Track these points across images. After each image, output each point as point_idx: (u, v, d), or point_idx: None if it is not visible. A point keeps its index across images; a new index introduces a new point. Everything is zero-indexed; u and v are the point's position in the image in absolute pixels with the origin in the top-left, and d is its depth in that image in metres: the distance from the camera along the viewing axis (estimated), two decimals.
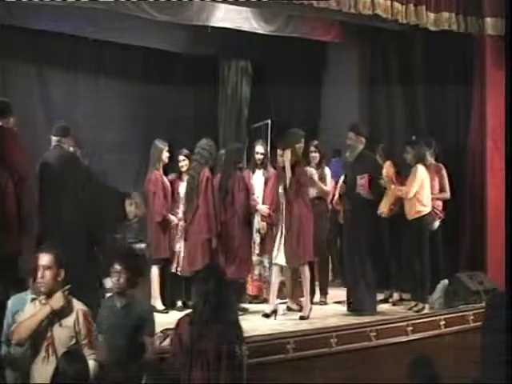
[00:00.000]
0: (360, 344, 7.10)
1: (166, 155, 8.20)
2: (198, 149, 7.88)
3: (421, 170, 8.04)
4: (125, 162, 8.99)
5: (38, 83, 9.61)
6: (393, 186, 8.10)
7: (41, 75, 9.61)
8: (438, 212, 8.41)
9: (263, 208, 8.30)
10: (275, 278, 7.72)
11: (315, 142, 8.71)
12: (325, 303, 8.47)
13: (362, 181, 7.77)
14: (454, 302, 8.15)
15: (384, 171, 8.18)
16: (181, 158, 8.24)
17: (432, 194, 8.24)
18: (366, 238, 7.72)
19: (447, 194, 8.60)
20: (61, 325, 4.69)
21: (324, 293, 8.59)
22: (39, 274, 4.67)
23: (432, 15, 8.53)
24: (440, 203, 8.57)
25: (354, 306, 7.79)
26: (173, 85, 10.40)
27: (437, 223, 8.39)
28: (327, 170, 8.60)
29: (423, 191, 8.05)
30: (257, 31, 9.03)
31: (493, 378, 5.28)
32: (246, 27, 8.92)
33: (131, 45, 9.32)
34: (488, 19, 8.89)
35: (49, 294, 4.70)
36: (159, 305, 7.96)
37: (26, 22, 8.32)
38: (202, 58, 10.29)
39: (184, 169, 8.22)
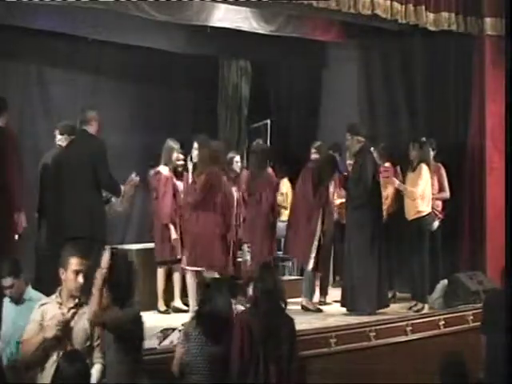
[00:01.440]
0: (359, 344, 7.11)
1: (176, 155, 8.18)
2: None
3: (425, 170, 8.05)
4: (123, 161, 8.95)
5: (38, 83, 9.59)
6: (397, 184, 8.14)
7: (40, 75, 9.60)
8: (437, 212, 8.42)
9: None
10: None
11: (316, 144, 8.71)
12: (324, 303, 8.47)
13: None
14: (453, 302, 8.16)
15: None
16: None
17: (431, 193, 8.25)
18: (364, 238, 7.72)
19: (447, 194, 8.61)
20: (78, 325, 4.74)
21: (324, 293, 8.60)
22: (79, 280, 4.71)
23: (431, 15, 8.54)
24: (439, 203, 8.58)
25: (350, 305, 7.80)
26: (172, 85, 10.40)
27: (436, 223, 8.40)
28: None
29: (425, 192, 8.06)
30: (256, 31, 9.01)
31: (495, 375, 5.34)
32: (245, 27, 8.91)
33: (130, 45, 9.30)
34: (487, 19, 8.91)
35: (72, 296, 4.76)
36: (161, 306, 7.96)
37: (26, 21, 8.30)
38: (201, 58, 10.27)
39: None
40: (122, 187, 6.79)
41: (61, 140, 7.11)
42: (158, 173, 8.09)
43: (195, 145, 7.83)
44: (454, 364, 4.63)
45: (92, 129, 6.64)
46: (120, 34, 9.01)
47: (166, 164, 8.11)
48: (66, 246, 4.99)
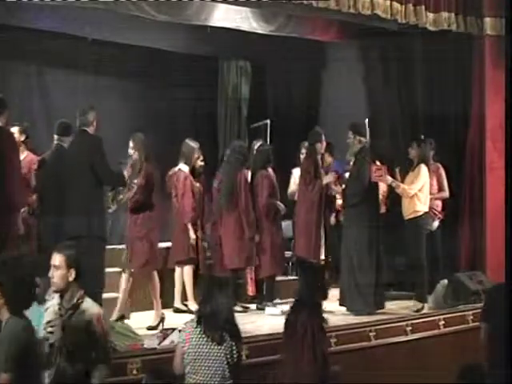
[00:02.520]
0: (359, 344, 7.11)
1: (196, 155, 8.19)
2: (231, 151, 8.21)
3: (424, 170, 8.06)
4: (122, 161, 8.95)
5: (38, 83, 9.61)
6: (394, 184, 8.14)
7: (40, 75, 9.62)
8: (436, 212, 8.42)
9: (281, 205, 8.35)
10: None
11: (306, 144, 8.74)
12: None
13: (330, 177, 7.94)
14: (453, 302, 8.15)
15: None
16: None
17: (430, 193, 8.26)
18: (360, 236, 7.73)
19: (446, 193, 8.63)
20: (77, 327, 4.66)
21: None
22: (49, 273, 4.68)
23: (431, 15, 8.54)
24: (439, 203, 8.59)
25: (349, 305, 7.80)
26: (172, 85, 10.40)
27: (436, 223, 8.41)
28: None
29: (423, 191, 8.06)
30: (256, 31, 9.01)
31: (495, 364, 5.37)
32: (245, 27, 8.90)
33: (130, 44, 9.31)
34: (487, 19, 8.91)
35: (61, 294, 4.71)
36: (179, 305, 8.03)
37: (26, 21, 8.31)
38: (201, 58, 10.29)
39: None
40: (125, 172, 6.83)
41: (59, 140, 7.11)
42: (178, 171, 8.10)
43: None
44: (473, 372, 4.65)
45: (92, 129, 6.65)
46: (120, 33, 9.02)
47: (185, 163, 8.12)
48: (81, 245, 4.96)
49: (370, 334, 7.22)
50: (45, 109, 9.53)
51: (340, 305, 7.92)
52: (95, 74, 10.00)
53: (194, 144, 8.22)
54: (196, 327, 4.90)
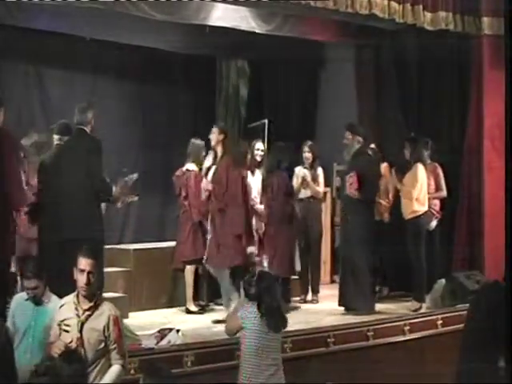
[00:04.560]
0: (357, 343, 7.13)
1: (204, 153, 8.25)
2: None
3: (421, 169, 8.07)
4: (122, 161, 8.95)
5: (36, 82, 9.60)
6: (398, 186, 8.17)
7: (38, 74, 9.61)
8: (434, 212, 8.43)
9: (261, 208, 8.32)
10: None
11: (309, 143, 8.78)
12: (317, 301, 8.53)
13: (350, 179, 7.80)
14: (451, 302, 8.16)
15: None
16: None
17: (428, 193, 8.28)
18: (360, 237, 7.74)
19: (444, 193, 8.64)
20: (91, 327, 4.71)
21: (316, 291, 8.65)
22: (84, 280, 4.68)
23: (429, 15, 8.54)
24: (437, 202, 8.59)
25: (347, 304, 7.82)
26: (170, 84, 10.41)
27: (434, 223, 8.41)
28: (320, 171, 8.71)
29: (421, 191, 8.08)
30: (254, 30, 9.01)
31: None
32: (243, 26, 8.88)
33: (129, 44, 9.31)
34: (485, 19, 8.90)
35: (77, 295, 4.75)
36: (192, 307, 8.03)
37: (24, 21, 8.30)
38: (199, 58, 10.29)
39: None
40: (114, 188, 6.77)
41: (60, 140, 7.10)
42: (187, 171, 8.12)
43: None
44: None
45: (89, 128, 6.64)
46: (118, 33, 9.01)
47: (193, 162, 8.17)
48: (80, 247, 4.96)
49: (369, 333, 7.23)
50: (43, 108, 9.53)
51: (339, 305, 7.93)
52: (93, 73, 10.00)
53: (200, 142, 8.29)
54: (256, 316, 5.21)
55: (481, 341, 5.05)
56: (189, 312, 7.99)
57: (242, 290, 5.55)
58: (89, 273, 4.69)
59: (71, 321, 4.71)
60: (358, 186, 7.72)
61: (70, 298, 4.81)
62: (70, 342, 4.60)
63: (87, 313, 4.72)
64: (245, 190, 7.84)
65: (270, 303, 5.23)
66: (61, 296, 5.04)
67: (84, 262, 4.71)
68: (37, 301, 5.18)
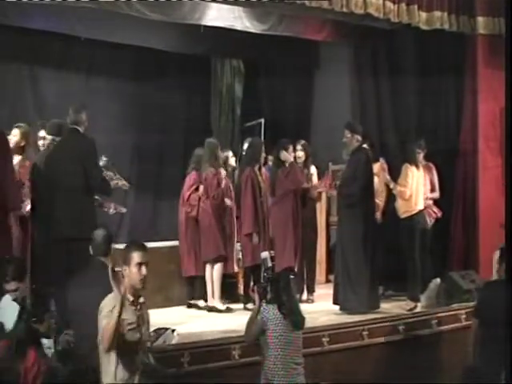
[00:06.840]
0: (352, 343, 7.12)
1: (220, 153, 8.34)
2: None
3: (410, 169, 8.09)
4: (117, 161, 8.93)
5: (30, 82, 9.59)
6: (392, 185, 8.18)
7: (32, 74, 9.60)
8: (432, 212, 8.46)
9: (227, 201, 8.37)
10: None
11: (302, 142, 8.78)
12: (312, 301, 8.53)
13: (327, 180, 7.96)
14: (446, 301, 8.17)
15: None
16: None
17: (424, 193, 8.29)
18: (355, 235, 7.74)
19: (437, 194, 8.66)
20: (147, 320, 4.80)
21: (311, 291, 8.65)
22: (144, 271, 4.67)
23: (424, 14, 8.54)
24: (430, 202, 8.60)
25: (340, 304, 7.82)
26: (165, 84, 10.40)
27: (429, 222, 8.42)
28: (313, 169, 8.70)
29: (416, 190, 8.09)
30: (249, 30, 9.01)
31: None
32: (238, 26, 8.88)
33: (123, 44, 9.30)
34: (480, 18, 8.91)
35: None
36: (219, 305, 8.05)
37: (18, 21, 8.29)
38: (194, 57, 10.28)
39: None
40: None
41: (53, 140, 7.06)
42: (217, 173, 8.20)
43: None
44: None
45: (83, 128, 6.62)
46: (113, 33, 9.00)
47: (208, 162, 8.23)
48: (126, 245, 4.93)
49: (364, 333, 7.23)
50: (37, 108, 9.51)
51: (333, 303, 7.93)
52: (88, 73, 9.99)
53: (216, 141, 8.49)
54: (278, 317, 5.34)
55: (493, 336, 5.19)
56: (210, 310, 8.08)
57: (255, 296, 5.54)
58: (145, 264, 4.69)
59: (132, 319, 4.64)
60: (330, 184, 7.89)
61: (117, 300, 4.58)
62: (140, 337, 4.62)
63: (143, 305, 4.76)
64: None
65: (289, 303, 5.39)
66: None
67: (138, 256, 4.69)
68: (19, 302, 5.18)
